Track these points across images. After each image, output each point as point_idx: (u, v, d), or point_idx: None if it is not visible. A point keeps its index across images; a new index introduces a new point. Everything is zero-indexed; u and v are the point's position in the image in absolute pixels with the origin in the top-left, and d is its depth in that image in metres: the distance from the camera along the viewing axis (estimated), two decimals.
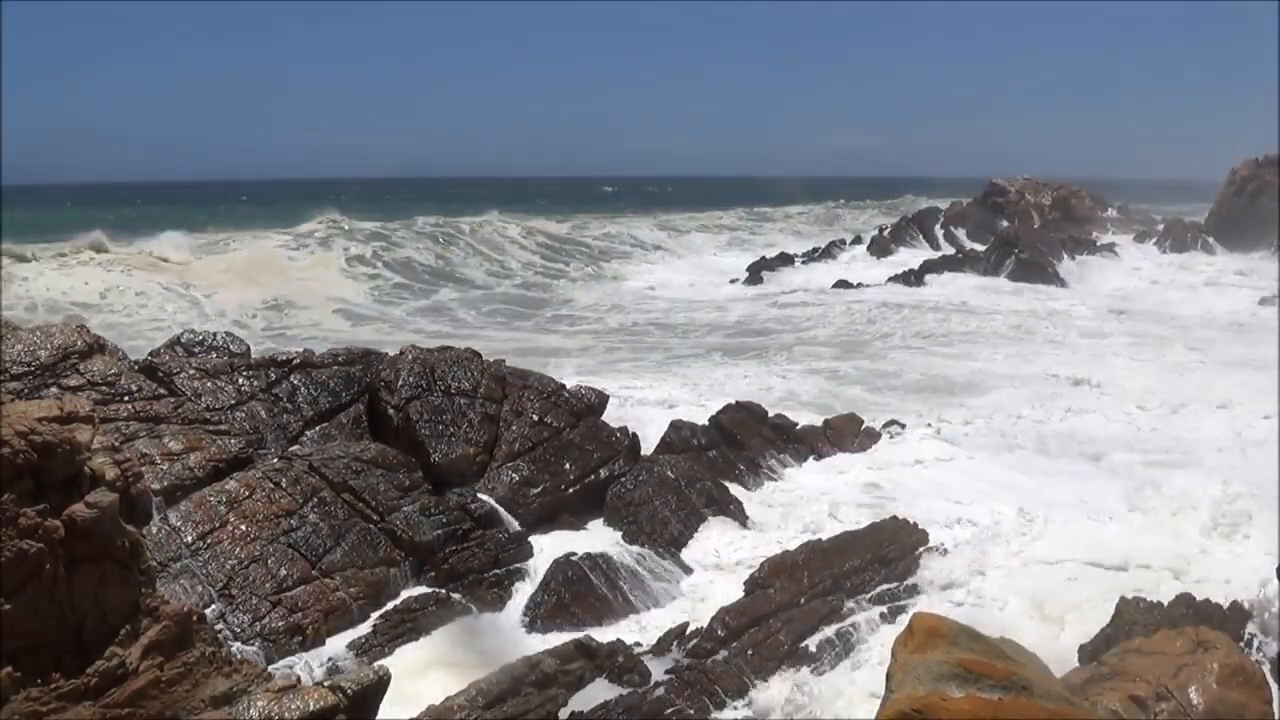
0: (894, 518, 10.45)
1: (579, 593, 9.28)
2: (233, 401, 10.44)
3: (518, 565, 9.62)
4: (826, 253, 41.03)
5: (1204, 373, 18.89)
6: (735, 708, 7.60)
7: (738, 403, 12.83)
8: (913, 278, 33.66)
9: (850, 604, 8.71)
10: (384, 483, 9.55)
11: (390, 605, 8.76)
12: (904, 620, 6.47)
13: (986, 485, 12.46)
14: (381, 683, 4.93)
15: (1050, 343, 23.09)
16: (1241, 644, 7.43)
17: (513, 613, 9.15)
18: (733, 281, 36.76)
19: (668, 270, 40.70)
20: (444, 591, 9.06)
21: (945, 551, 9.78)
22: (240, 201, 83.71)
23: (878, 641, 8.24)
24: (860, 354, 22.06)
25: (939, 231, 45.91)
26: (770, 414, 13.03)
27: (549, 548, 10.07)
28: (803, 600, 8.59)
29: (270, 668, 6.50)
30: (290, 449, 10.03)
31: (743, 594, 8.74)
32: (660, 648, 8.30)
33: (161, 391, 9.93)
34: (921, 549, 9.72)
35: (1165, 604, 7.99)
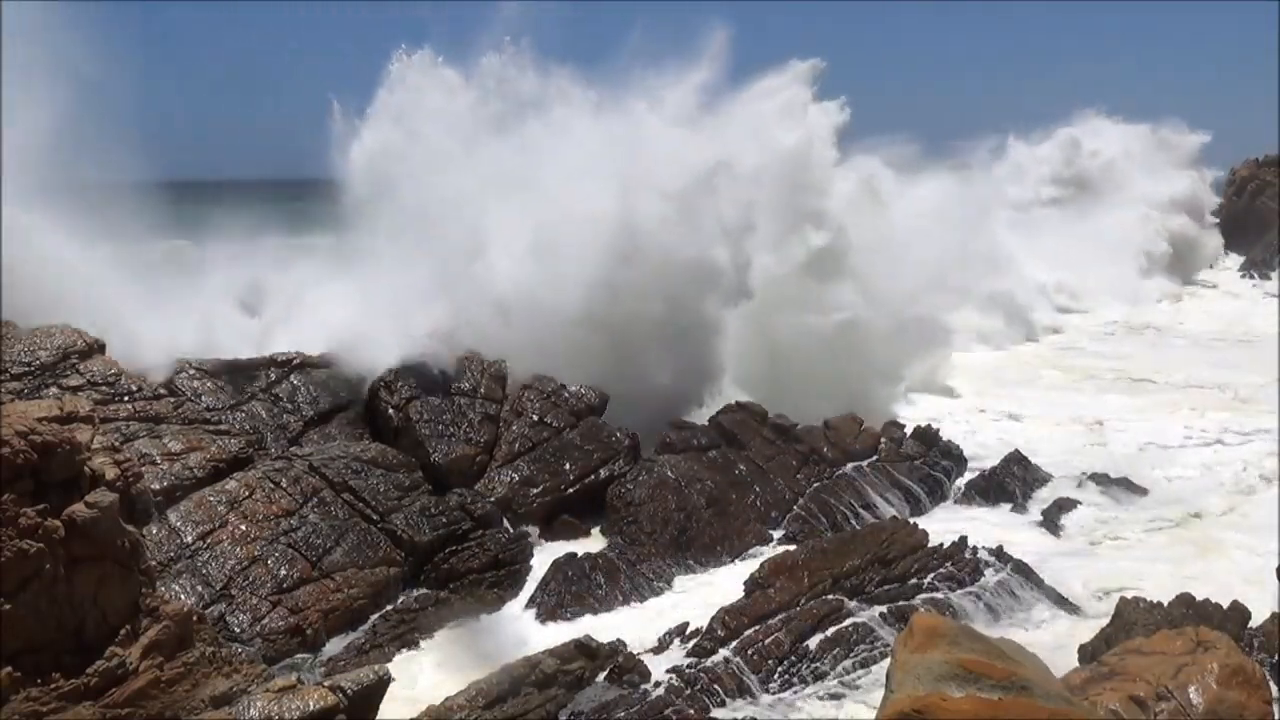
0: (894, 518, 10.45)
1: (579, 593, 9.28)
2: (233, 401, 10.45)
3: (517, 565, 9.62)
4: None
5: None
6: (735, 708, 7.59)
7: (738, 403, 12.79)
8: None
9: (850, 604, 8.69)
10: (384, 483, 9.55)
11: (390, 606, 8.76)
12: (904, 620, 6.46)
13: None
14: (381, 683, 4.93)
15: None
16: (1241, 644, 7.42)
17: (512, 613, 9.14)
18: None
19: None
20: (444, 592, 9.06)
21: (945, 551, 9.76)
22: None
23: (878, 641, 8.23)
24: None
25: None
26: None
27: (548, 548, 10.08)
28: (803, 600, 8.58)
29: (270, 668, 6.50)
30: (290, 449, 10.03)
31: (743, 594, 8.72)
32: (660, 648, 8.30)
33: (161, 391, 9.94)
34: (921, 549, 9.70)
35: (1165, 604, 7.98)
